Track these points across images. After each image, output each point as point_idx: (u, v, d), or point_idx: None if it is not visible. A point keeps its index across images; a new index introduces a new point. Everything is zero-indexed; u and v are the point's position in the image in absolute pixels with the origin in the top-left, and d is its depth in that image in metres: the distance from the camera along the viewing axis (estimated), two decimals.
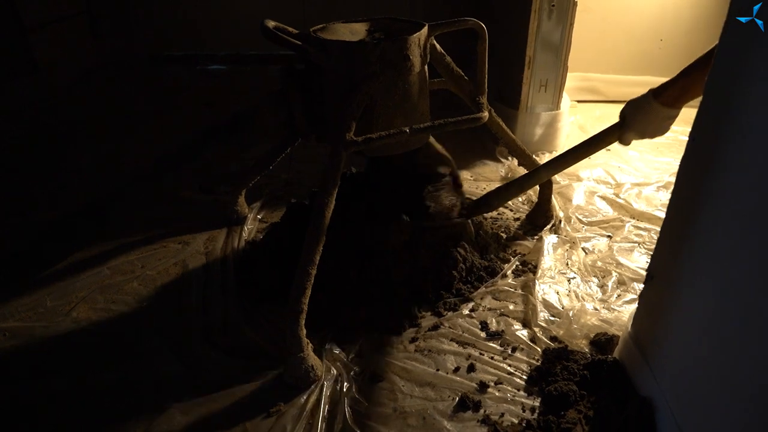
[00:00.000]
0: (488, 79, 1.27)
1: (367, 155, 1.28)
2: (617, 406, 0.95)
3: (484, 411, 1.00)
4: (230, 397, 1.05)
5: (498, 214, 1.66)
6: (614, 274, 1.37)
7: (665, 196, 1.71)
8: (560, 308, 1.25)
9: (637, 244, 1.49)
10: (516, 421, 0.98)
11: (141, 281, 1.38)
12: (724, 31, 0.72)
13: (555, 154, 2.03)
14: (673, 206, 0.89)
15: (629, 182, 1.81)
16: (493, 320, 1.23)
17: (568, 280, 1.36)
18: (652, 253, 0.95)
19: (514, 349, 1.15)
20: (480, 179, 1.89)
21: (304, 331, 1.06)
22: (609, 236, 1.54)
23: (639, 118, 1.19)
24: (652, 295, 0.95)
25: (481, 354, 1.14)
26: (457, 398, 1.03)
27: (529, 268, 1.40)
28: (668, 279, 0.89)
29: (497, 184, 1.83)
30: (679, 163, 0.86)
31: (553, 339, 1.17)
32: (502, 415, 1.00)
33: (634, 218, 1.62)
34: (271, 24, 1.17)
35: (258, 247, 1.47)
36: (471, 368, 1.10)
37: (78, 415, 1.02)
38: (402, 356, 1.14)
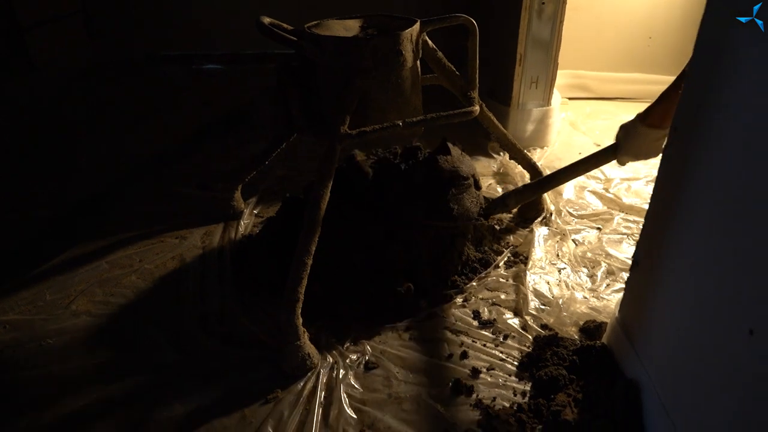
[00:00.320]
0: (481, 76, 1.30)
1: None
2: (605, 389, 0.98)
3: (477, 395, 1.03)
4: (228, 385, 1.07)
5: None
6: (603, 264, 1.40)
7: None
8: (550, 297, 1.28)
9: (626, 236, 1.53)
10: (507, 404, 1.01)
11: (139, 275, 1.40)
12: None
13: (546, 149, 2.07)
14: (655, 196, 0.92)
15: (619, 177, 1.85)
16: (486, 309, 1.26)
17: (559, 271, 1.39)
18: None
19: (505, 337, 1.18)
20: None
21: (301, 320, 1.08)
22: (599, 228, 1.57)
23: (630, 142, 1.27)
24: (637, 281, 0.98)
25: (473, 342, 1.17)
26: (451, 383, 1.06)
27: (520, 259, 1.43)
28: (651, 265, 0.92)
29: (490, 179, 1.86)
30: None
31: (544, 327, 1.20)
32: (494, 399, 1.03)
33: (623, 211, 1.65)
34: (267, 20, 1.20)
35: (254, 241, 1.49)
36: (464, 355, 1.13)
37: (78, 402, 1.04)
38: (397, 344, 1.17)
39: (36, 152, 2.10)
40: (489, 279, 1.35)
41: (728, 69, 0.70)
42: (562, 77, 2.44)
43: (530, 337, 1.17)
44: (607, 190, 1.77)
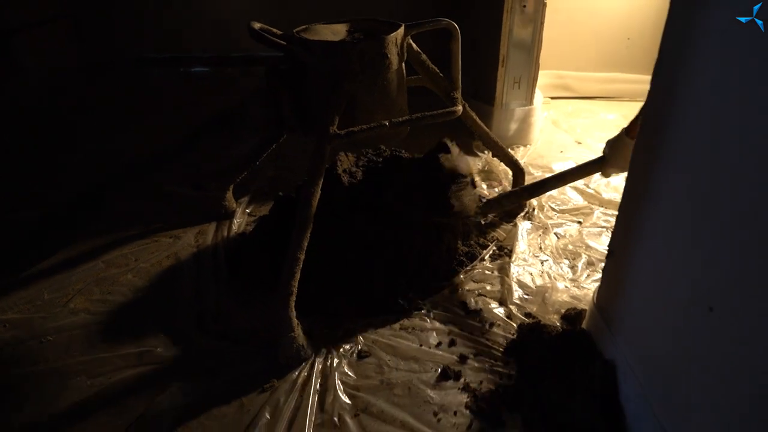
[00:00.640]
0: (466, 77, 1.36)
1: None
2: (584, 370, 1.04)
3: (465, 380, 1.09)
4: (226, 377, 1.11)
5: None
6: (584, 256, 1.47)
7: None
8: (534, 287, 1.35)
9: (605, 229, 1.60)
10: (494, 387, 1.07)
11: (135, 273, 1.44)
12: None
13: (529, 147, 2.13)
14: (627, 191, 0.99)
15: (598, 174, 1.92)
16: (472, 300, 1.31)
17: (541, 262, 1.45)
18: None
19: (491, 325, 1.23)
20: None
21: (294, 313, 1.13)
22: (579, 222, 1.64)
23: (616, 155, 1.34)
24: (612, 269, 1.05)
25: (461, 330, 1.22)
26: (440, 369, 1.11)
27: (505, 252, 1.49)
28: (625, 254, 0.99)
29: (475, 177, 1.92)
30: None
31: (528, 315, 1.26)
32: (481, 383, 1.08)
33: (602, 206, 1.72)
34: (257, 26, 1.24)
35: (248, 239, 1.53)
36: (452, 343, 1.18)
37: (78, 397, 1.08)
38: (388, 334, 1.22)
39: (26, 154, 2.12)
40: (475, 271, 1.41)
41: (689, 70, 0.77)
42: (544, 77, 2.52)
43: (515, 325, 1.23)
44: (587, 185, 1.84)
